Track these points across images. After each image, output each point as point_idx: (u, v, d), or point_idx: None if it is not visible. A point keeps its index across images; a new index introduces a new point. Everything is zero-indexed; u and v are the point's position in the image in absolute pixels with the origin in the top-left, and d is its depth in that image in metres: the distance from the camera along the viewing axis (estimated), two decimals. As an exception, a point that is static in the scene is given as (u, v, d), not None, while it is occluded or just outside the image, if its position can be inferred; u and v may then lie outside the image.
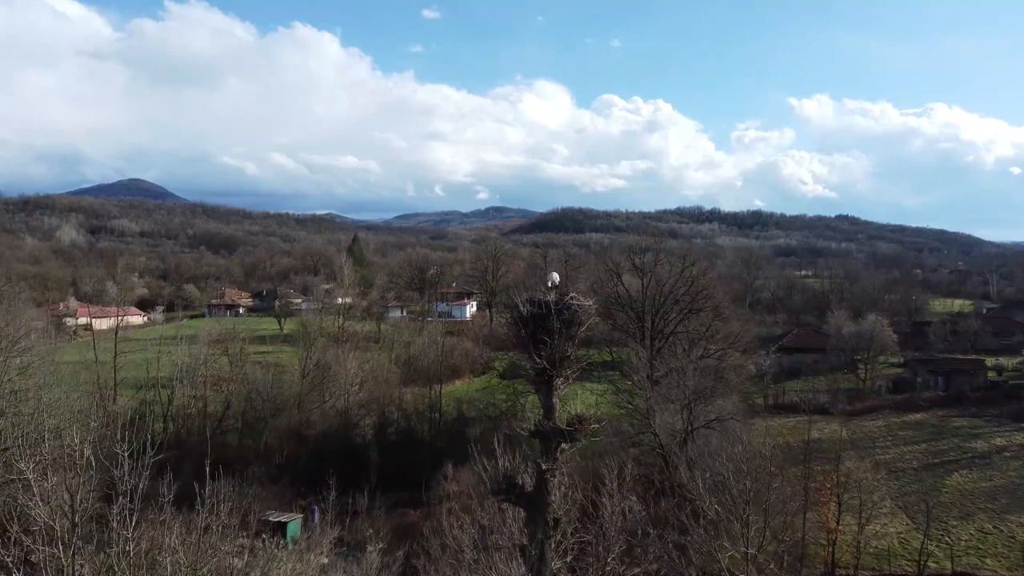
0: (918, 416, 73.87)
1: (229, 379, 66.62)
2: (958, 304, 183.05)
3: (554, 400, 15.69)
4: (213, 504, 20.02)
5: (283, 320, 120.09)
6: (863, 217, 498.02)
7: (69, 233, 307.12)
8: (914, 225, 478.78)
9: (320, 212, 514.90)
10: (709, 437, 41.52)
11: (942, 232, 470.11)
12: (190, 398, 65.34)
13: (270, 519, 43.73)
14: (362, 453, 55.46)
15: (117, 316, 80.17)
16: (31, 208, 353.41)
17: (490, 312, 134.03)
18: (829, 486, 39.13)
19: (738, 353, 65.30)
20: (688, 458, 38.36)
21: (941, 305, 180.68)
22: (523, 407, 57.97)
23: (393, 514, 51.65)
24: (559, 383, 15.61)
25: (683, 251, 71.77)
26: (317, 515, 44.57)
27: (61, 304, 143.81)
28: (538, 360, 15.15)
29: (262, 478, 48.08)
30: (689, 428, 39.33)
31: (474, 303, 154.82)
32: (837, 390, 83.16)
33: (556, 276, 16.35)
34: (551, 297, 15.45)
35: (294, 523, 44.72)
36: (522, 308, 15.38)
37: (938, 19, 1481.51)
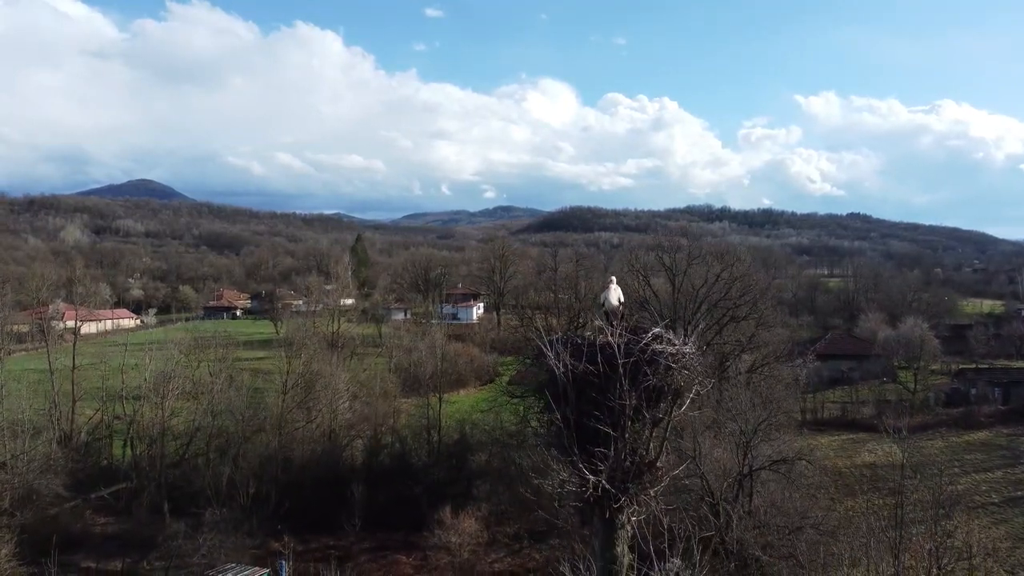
0: (981, 435, 65.32)
1: (203, 393, 58.64)
2: (987, 305, 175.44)
3: (618, 549, 7.62)
4: None
5: (279, 323, 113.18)
6: (874, 215, 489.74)
7: (73, 233, 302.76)
8: (927, 223, 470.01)
9: (327, 212, 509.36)
10: (767, 481, 33.41)
11: (956, 230, 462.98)
12: (159, 415, 57.44)
13: (227, 576, 35.79)
14: (348, 485, 47.38)
15: (76, 320, 72.33)
16: (36, 208, 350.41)
17: (497, 314, 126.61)
18: (927, 547, 30.68)
19: (780, 364, 57.06)
20: (748, 510, 30.26)
21: (970, 306, 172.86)
22: (534, 431, 49.70)
23: (382, 561, 43.73)
24: (630, 516, 7.55)
25: (721, 250, 63.24)
26: (286, 571, 36.59)
27: (50, 307, 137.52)
28: (589, 475, 7.11)
29: (223, 521, 40.06)
30: (748, 471, 31.11)
31: (481, 304, 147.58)
32: (884, 402, 74.62)
33: (617, 292, 8.37)
34: (615, 335, 7.46)
35: (259, 580, 36.66)
36: (555, 363, 7.36)
37: (945, 15, 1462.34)
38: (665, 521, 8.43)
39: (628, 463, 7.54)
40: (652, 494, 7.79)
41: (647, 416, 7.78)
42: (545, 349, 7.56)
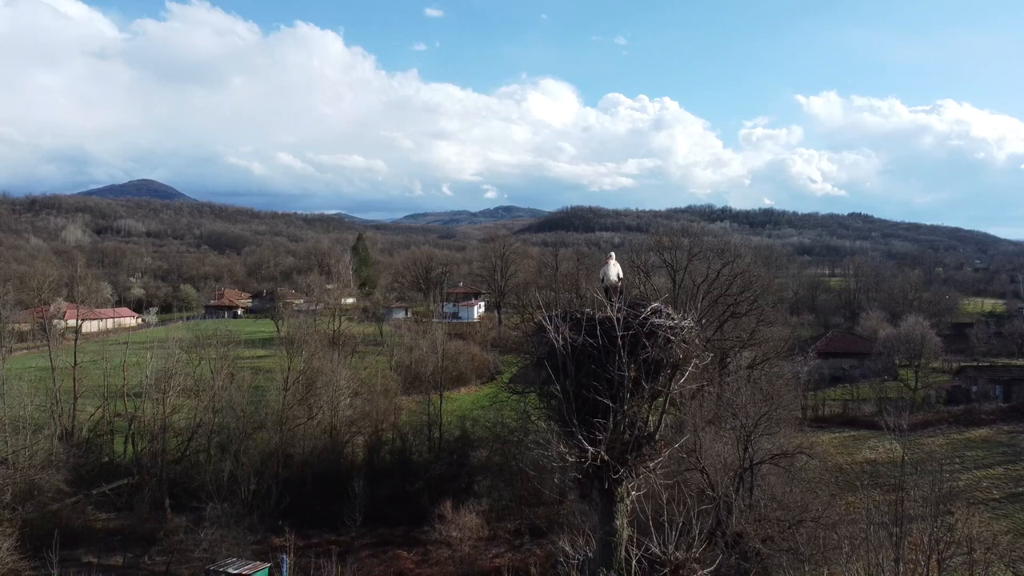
0: (982, 432, 65.23)
1: (204, 390, 58.66)
2: (989, 304, 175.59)
3: (617, 523, 7.66)
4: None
5: (280, 322, 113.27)
6: (875, 215, 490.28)
7: (75, 233, 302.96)
8: (928, 223, 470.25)
9: (329, 212, 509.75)
10: (768, 475, 33.44)
11: (957, 230, 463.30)
12: (160, 411, 57.48)
13: (228, 571, 35.81)
14: (349, 481, 47.46)
15: (77, 319, 72.40)
16: (38, 208, 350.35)
17: (499, 313, 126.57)
18: (927, 540, 30.70)
19: (780, 360, 57.14)
20: (748, 503, 30.29)
21: (971, 305, 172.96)
22: (536, 427, 49.76)
23: (383, 556, 43.73)
24: (630, 489, 7.58)
25: (721, 246, 63.21)
26: (287, 567, 36.60)
27: (52, 305, 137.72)
28: (588, 447, 7.14)
29: (224, 516, 40.11)
30: (748, 464, 31.14)
31: (482, 303, 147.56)
32: (885, 400, 74.60)
33: (616, 268, 8.41)
34: (615, 310, 7.49)
35: (259, 575, 36.67)
36: (554, 336, 7.39)
37: (946, 15, 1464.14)
38: (664, 497, 8.49)
39: (627, 435, 7.57)
40: (651, 467, 7.82)
41: (646, 387, 7.82)
42: (545, 323, 7.59)
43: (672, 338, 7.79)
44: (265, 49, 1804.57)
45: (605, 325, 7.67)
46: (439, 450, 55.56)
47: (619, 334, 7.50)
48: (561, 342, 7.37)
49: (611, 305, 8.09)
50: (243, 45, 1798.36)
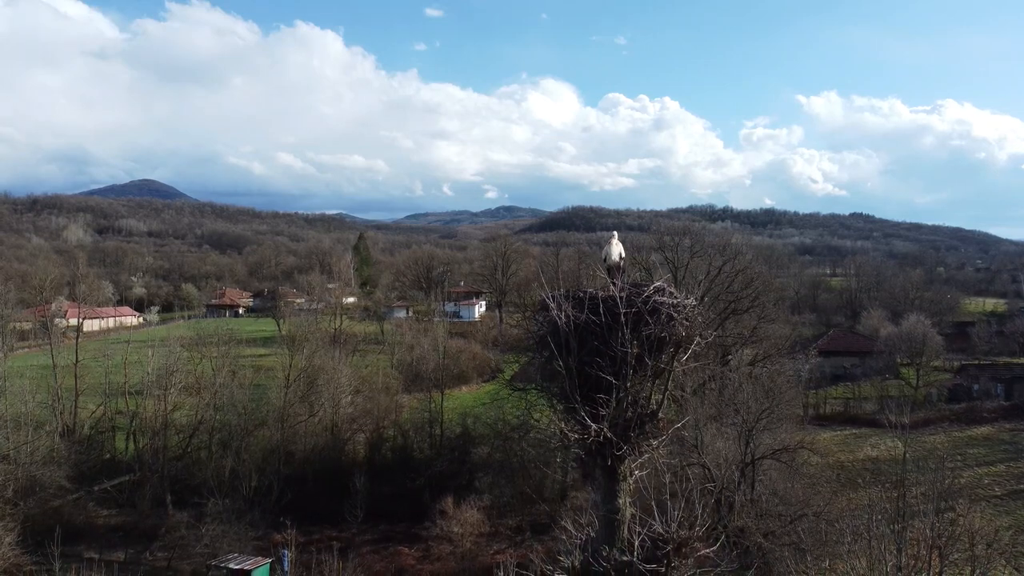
0: (984, 430, 65.21)
1: (206, 388, 58.74)
2: (990, 303, 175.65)
3: (620, 501, 7.67)
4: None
5: (281, 321, 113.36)
6: (876, 215, 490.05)
7: (76, 233, 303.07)
8: (929, 223, 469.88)
9: (330, 212, 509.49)
10: (769, 470, 33.47)
11: (958, 230, 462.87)
12: (162, 408, 57.56)
13: (230, 566, 35.88)
14: (350, 477, 47.52)
15: (79, 318, 72.66)
16: (39, 208, 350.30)
17: (500, 312, 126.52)
18: (930, 534, 30.69)
19: (781, 358, 57.14)
20: (750, 498, 30.31)
21: (973, 305, 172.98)
22: (536, 423, 49.80)
23: (384, 552, 43.79)
24: (632, 467, 7.60)
25: (722, 243, 63.17)
26: (288, 561, 36.69)
27: (53, 304, 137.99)
28: (591, 423, 7.16)
29: (225, 511, 40.19)
30: (750, 459, 31.15)
31: (483, 303, 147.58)
32: (887, 398, 74.60)
33: (618, 247, 8.44)
34: (617, 289, 7.53)
35: (261, 570, 36.74)
36: (556, 313, 7.42)
37: (947, 14, 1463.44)
38: (667, 478, 8.49)
39: (630, 413, 7.60)
40: (655, 445, 7.85)
41: (649, 364, 7.85)
42: (548, 300, 7.63)
43: (675, 315, 7.83)
44: (265, 49, 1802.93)
45: (608, 303, 7.72)
46: (440, 447, 55.59)
47: (622, 311, 7.54)
48: (564, 319, 7.41)
49: (613, 284, 8.14)
50: (243, 45, 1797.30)
